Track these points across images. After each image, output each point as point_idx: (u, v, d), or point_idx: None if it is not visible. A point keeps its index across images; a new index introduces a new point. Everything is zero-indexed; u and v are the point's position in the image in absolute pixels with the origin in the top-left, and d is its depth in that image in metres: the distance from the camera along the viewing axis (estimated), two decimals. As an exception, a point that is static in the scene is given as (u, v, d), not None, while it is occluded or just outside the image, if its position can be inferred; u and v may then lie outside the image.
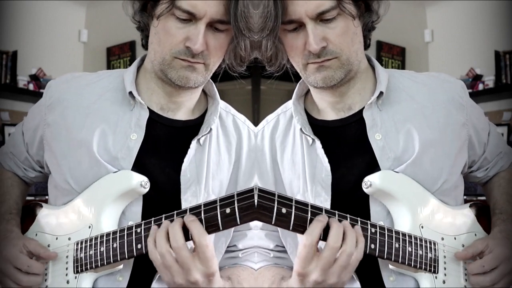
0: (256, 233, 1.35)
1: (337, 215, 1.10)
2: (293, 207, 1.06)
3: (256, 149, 1.37)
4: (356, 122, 1.27)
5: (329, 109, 1.31)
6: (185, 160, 1.26)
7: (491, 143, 1.38)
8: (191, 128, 1.31)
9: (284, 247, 1.34)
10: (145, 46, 1.32)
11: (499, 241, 1.21)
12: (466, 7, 4.35)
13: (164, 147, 1.27)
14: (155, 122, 1.28)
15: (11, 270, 1.19)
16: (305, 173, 1.28)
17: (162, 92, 1.29)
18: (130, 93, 1.27)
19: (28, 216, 1.31)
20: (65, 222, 1.24)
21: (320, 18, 1.17)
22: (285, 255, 1.34)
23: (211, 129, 1.30)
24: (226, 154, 1.33)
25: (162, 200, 1.22)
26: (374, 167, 1.22)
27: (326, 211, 1.09)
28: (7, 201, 1.33)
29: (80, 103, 1.28)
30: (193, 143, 1.27)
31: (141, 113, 1.27)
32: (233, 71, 1.30)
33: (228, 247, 1.34)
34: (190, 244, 1.08)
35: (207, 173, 1.28)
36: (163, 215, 1.12)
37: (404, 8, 4.44)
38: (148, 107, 1.28)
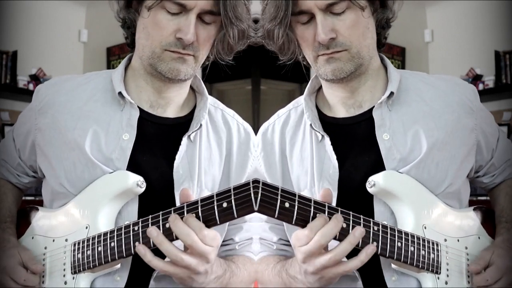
0: (256, 225, 1.36)
1: (339, 212, 1.10)
2: (296, 202, 1.07)
3: (248, 142, 1.37)
4: (366, 121, 1.28)
5: (340, 105, 1.31)
6: (177, 156, 1.26)
7: (499, 149, 1.37)
8: (181, 125, 1.31)
9: (287, 240, 1.35)
10: (130, 45, 1.32)
11: (502, 251, 1.21)
12: (466, 7, 4.35)
13: (155, 145, 1.28)
14: (145, 120, 1.28)
15: (8, 282, 1.19)
16: (313, 169, 1.29)
17: (151, 88, 1.29)
18: (120, 93, 1.27)
19: (23, 219, 1.30)
20: (62, 224, 1.24)
21: (330, 10, 1.19)
22: (288, 248, 1.35)
23: (201, 125, 1.30)
24: (217, 149, 1.33)
25: (157, 198, 1.22)
26: (379, 166, 1.22)
27: (329, 207, 1.10)
28: (1, 209, 1.32)
29: (70, 105, 1.28)
30: (184, 140, 1.28)
31: (132, 112, 1.27)
32: (221, 60, 1.31)
33: (224, 241, 1.35)
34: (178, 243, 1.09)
35: (199, 169, 1.29)
36: (160, 212, 1.12)
37: (404, 8, 4.43)
38: (138, 106, 1.28)
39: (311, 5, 1.18)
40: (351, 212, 1.12)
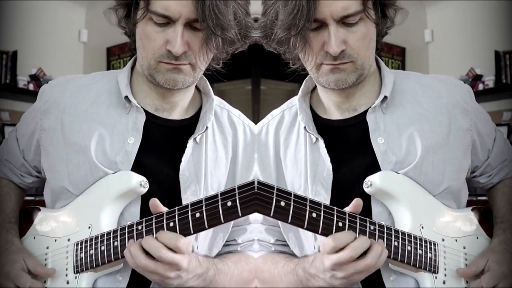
0: (256, 227, 1.36)
1: (335, 211, 1.11)
2: (292, 201, 1.07)
3: (254, 143, 1.37)
4: (360, 124, 1.27)
5: (334, 109, 1.31)
6: (183, 159, 1.26)
7: (495, 150, 1.37)
8: (187, 127, 1.31)
9: (283, 241, 1.35)
10: (134, 50, 1.31)
11: (498, 256, 1.21)
12: (466, 7, 4.35)
13: (161, 148, 1.28)
14: (151, 123, 1.28)
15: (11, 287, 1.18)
16: (306, 171, 1.29)
17: (155, 94, 1.29)
18: (126, 97, 1.27)
19: (25, 219, 1.30)
20: (64, 224, 1.24)
21: (343, 21, 1.17)
22: (285, 249, 1.35)
23: (207, 127, 1.30)
24: (223, 150, 1.33)
25: (161, 200, 1.22)
26: (375, 169, 1.22)
27: (325, 206, 1.11)
28: (4, 210, 1.32)
29: (75, 107, 1.28)
30: (190, 142, 1.27)
31: (138, 116, 1.26)
32: (208, 69, 1.29)
33: (227, 241, 1.35)
34: None
35: (205, 171, 1.29)
36: (164, 211, 1.13)
37: (404, 8, 4.42)
38: (143, 109, 1.28)
39: (326, 15, 1.15)
40: (347, 211, 1.12)
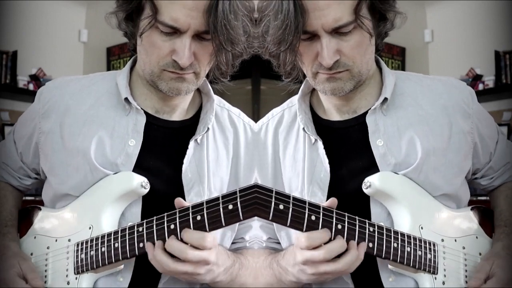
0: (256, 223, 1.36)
1: (334, 213, 1.11)
2: (291, 204, 1.07)
3: (254, 142, 1.36)
4: (360, 125, 1.27)
5: (334, 110, 1.30)
6: (185, 160, 1.26)
7: (498, 153, 1.36)
8: (188, 128, 1.30)
9: (276, 239, 1.35)
10: (134, 51, 1.30)
11: (502, 261, 1.20)
12: (466, 7, 4.35)
13: (162, 149, 1.27)
14: (151, 124, 1.28)
15: None
16: (304, 172, 1.28)
17: (156, 97, 1.28)
18: (126, 98, 1.26)
19: (26, 219, 1.30)
20: (65, 224, 1.24)
21: (336, 30, 1.15)
22: (277, 246, 1.35)
23: (208, 128, 1.29)
24: (224, 150, 1.33)
25: (163, 202, 1.21)
26: (373, 171, 1.22)
27: (324, 209, 1.10)
28: (1, 213, 1.31)
29: (75, 109, 1.27)
30: (191, 143, 1.27)
31: (138, 118, 1.26)
32: (215, 82, 1.29)
33: (235, 239, 1.35)
34: None
35: (207, 171, 1.28)
36: (165, 214, 1.13)
37: (404, 8, 4.42)
38: (143, 110, 1.27)
39: (317, 26, 1.14)
40: (346, 214, 1.12)
